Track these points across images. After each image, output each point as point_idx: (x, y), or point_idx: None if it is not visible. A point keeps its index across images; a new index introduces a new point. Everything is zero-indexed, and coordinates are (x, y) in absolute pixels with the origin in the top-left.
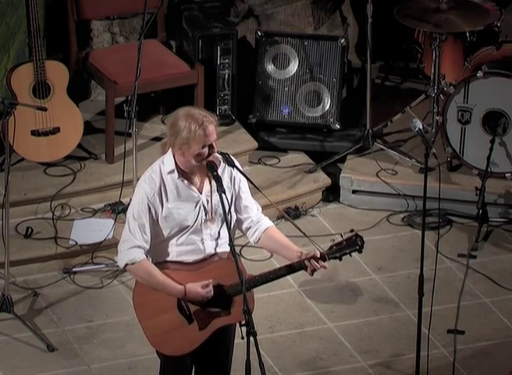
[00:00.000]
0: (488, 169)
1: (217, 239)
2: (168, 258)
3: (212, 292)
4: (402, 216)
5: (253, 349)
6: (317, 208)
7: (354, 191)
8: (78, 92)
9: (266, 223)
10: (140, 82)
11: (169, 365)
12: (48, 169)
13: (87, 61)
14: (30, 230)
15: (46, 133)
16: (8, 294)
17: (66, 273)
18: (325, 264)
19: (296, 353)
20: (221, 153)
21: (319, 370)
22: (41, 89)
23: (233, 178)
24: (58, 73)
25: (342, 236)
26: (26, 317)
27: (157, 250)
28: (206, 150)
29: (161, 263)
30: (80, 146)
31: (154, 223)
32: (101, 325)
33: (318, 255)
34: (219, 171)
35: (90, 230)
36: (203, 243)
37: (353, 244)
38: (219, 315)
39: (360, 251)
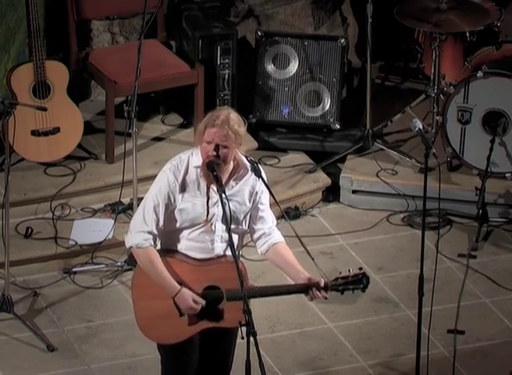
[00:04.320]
0: (488, 169)
1: (228, 242)
2: (177, 249)
3: (198, 309)
4: (402, 216)
5: (253, 349)
6: (317, 208)
7: (354, 191)
8: (78, 92)
9: (277, 237)
10: (140, 82)
11: (171, 359)
12: (48, 169)
13: (87, 61)
14: (30, 230)
15: (46, 133)
16: (8, 294)
17: (66, 273)
18: (326, 295)
19: (296, 353)
20: (250, 161)
21: (319, 370)
22: (41, 89)
23: (257, 187)
24: (58, 73)
25: (350, 271)
26: (26, 317)
27: (168, 237)
28: (211, 148)
29: (169, 251)
30: (80, 146)
31: (169, 211)
32: (101, 325)
33: (322, 285)
34: (246, 177)
35: (90, 230)
36: (212, 243)
37: (358, 281)
38: (211, 316)
39: (363, 291)
